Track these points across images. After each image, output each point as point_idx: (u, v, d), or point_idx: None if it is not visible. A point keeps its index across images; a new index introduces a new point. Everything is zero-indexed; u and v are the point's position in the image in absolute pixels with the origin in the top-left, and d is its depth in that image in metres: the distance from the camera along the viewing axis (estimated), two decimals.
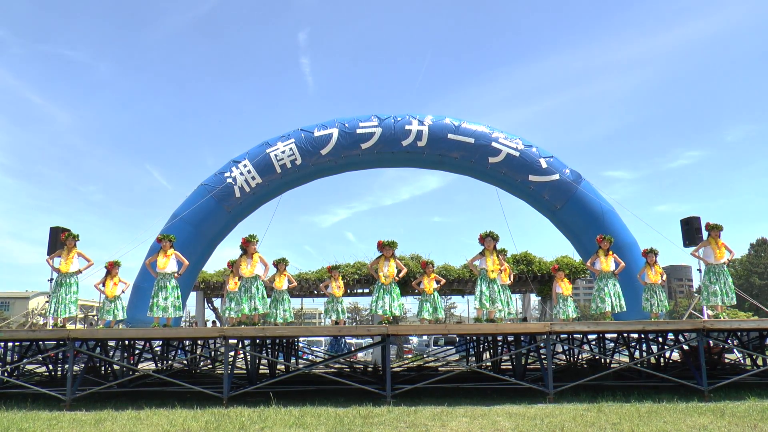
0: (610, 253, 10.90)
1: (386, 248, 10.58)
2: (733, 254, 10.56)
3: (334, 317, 12.41)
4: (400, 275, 10.66)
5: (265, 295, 10.46)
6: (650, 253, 11.06)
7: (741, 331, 12.32)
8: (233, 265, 11.95)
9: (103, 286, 10.91)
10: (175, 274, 10.41)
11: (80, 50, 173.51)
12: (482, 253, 10.22)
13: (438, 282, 11.59)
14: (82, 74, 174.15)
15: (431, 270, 11.58)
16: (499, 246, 10.45)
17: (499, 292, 10.04)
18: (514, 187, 15.17)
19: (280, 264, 11.79)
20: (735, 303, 10.44)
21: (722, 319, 10.06)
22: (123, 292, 11.20)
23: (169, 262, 10.26)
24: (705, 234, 10.83)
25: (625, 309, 10.72)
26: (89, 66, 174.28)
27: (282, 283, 11.67)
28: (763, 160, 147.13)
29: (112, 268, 10.96)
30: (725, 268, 10.39)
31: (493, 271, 10.04)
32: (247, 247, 10.31)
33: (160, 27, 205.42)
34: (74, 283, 10.22)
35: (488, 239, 10.21)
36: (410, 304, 44.22)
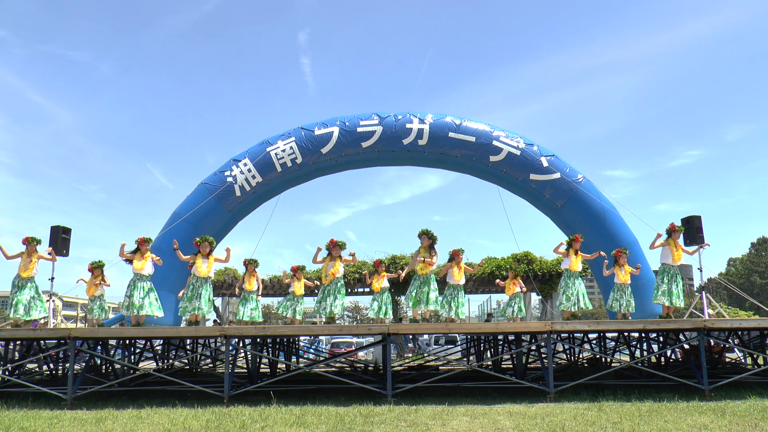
0: (579, 253, 10.87)
1: (336, 248, 10.87)
2: (690, 252, 10.83)
3: (289, 315, 12.45)
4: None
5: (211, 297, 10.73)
6: (623, 255, 11.05)
7: (742, 330, 12.32)
8: (249, 264, 12.06)
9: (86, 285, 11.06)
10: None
11: (81, 50, 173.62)
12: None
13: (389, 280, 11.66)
14: (83, 74, 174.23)
15: (383, 269, 11.58)
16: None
17: (427, 292, 10.45)
18: (515, 186, 15.16)
19: (250, 265, 12.07)
20: (681, 306, 10.52)
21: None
22: (102, 294, 11.31)
23: (146, 264, 10.32)
24: (664, 236, 10.75)
25: (590, 307, 10.78)
26: (90, 66, 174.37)
27: (252, 285, 11.94)
28: (763, 158, 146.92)
29: (94, 270, 11.05)
30: (678, 271, 10.54)
31: (422, 269, 10.55)
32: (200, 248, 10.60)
33: (161, 27, 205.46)
34: (33, 287, 10.43)
35: (423, 237, 10.64)
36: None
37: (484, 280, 21.95)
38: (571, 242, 10.87)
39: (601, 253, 11.34)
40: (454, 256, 11.06)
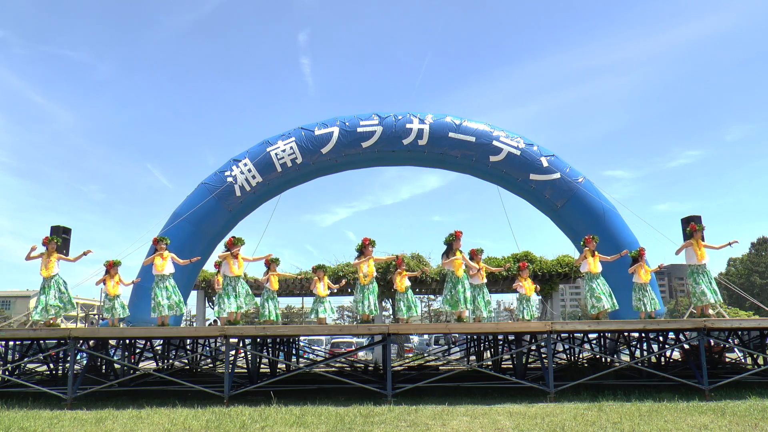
0: (596, 253, 10.84)
1: (369, 247, 10.76)
2: (716, 247, 10.73)
3: (313, 316, 12.32)
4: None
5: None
6: (642, 254, 11.06)
7: (742, 330, 12.32)
8: (272, 264, 11.90)
9: (104, 284, 10.97)
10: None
11: (82, 51, 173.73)
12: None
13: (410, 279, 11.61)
14: (83, 74, 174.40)
15: (404, 268, 11.51)
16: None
17: (463, 291, 10.33)
18: (515, 186, 15.16)
19: (273, 264, 11.89)
20: (721, 300, 10.56)
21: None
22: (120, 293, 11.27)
23: (166, 264, 10.37)
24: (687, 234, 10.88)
25: (617, 307, 10.72)
26: (90, 66, 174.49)
27: (276, 284, 11.81)
28: (763, 158, 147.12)
29: (111, 268, 11.01)
30: (707, 268, 10.54)
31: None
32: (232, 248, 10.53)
33: (161, 27, 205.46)
34: (57, 285, 10.27)
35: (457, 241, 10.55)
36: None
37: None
38: (584, 245, 10.86)
39: (622, 254, 11.45)
40: (473, 256, 11.02)
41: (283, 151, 14.56)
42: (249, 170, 14.53)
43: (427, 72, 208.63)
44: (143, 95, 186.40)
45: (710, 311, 11.41)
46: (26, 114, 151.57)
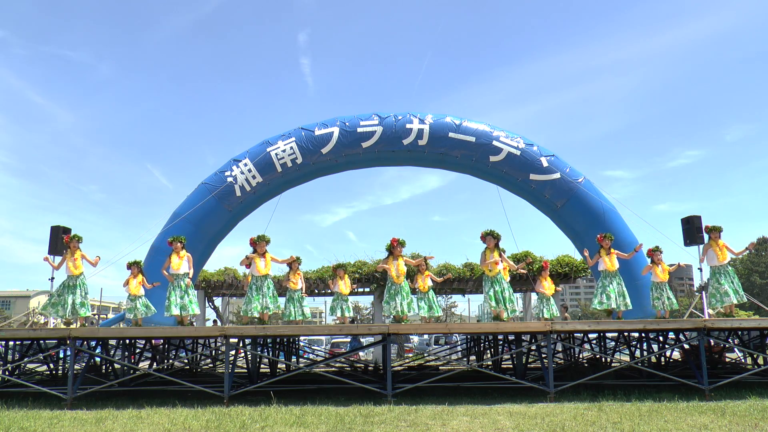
0: (612, 251, 10.84)
1: (398, 247, 10.78)
2: (736, 252, 10.68)
3: (338, 314, 12.27)
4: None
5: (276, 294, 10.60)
6: (657, 252, 11.01)
7: (742, 330, 12.31)
8: (294, 263, 11.80)
9: (127, 285, 10.99)
10: (190, 275, 10.54)
11: (81, 51, 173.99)
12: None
13: (433, 280, 11.64)
14: (83, 74, 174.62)
15: (425, 268, 11.53)
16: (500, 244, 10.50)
17: (501, 291, 10.07)
18: (515, 186, 15.16)
19: (294, 263, 11.79)
20: (745, 301, 10.48)
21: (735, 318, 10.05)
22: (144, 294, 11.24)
23: (182, 263, 10.35)
24: (705, 237, 10.86)
25: (630, 307, 10.67)
26: (90, 66, 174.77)
27: (298, 284, 11.71)
28: (763, 158, 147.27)
29: (132, 268, 11.00)
30: (730, 268, 10.45)
31: (490, 270, 10.14)
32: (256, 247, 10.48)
33: (161, 27, 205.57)
34: (84, 285, 10.23)
35: (488, 238, 10.30)
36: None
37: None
38: (600, 244, 10.84)
39: (636, 249, 11.52)
40: None
41: (283, 151, 14.57)
42: (249, 170, 14.54)
43: (427, 72, 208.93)
44: (143, 95, 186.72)
45: (710, 312, 11.40)
46: (26, 114, 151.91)
